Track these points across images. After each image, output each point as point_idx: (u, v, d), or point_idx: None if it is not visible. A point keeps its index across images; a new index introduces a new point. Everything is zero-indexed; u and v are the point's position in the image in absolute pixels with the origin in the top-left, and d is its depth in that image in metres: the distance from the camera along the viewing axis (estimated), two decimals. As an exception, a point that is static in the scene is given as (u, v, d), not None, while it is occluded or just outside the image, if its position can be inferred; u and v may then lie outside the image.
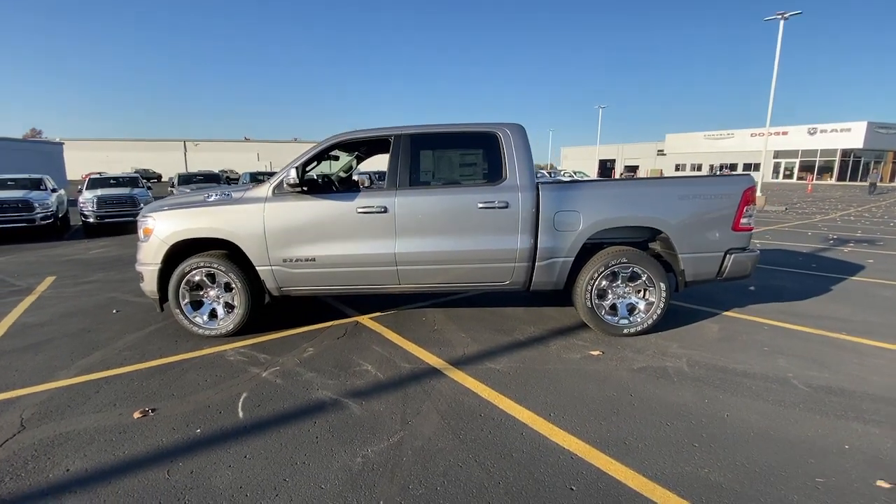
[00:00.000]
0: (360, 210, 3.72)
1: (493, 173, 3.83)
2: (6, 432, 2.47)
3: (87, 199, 11.01)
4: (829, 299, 4.93)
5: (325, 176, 4.44)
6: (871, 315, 4.36)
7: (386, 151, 4.02)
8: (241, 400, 2.80)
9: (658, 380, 3.04)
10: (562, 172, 32.60)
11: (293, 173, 3.60)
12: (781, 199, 21.74)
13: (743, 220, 3.77)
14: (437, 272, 3.82)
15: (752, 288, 5.40)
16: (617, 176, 66.51)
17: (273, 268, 3.81)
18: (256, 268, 3.82)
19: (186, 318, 3.89)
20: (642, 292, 3.85)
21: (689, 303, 4.75)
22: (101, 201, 10.97)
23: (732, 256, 3.79)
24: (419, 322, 4.24)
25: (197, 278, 3.84)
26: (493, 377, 3.08)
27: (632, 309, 3.88)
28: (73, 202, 11.88)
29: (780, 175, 48.50)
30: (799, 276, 6.06)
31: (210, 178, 15.36)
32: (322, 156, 3.99)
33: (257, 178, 14.32)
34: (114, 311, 4.67)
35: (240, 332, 3.92)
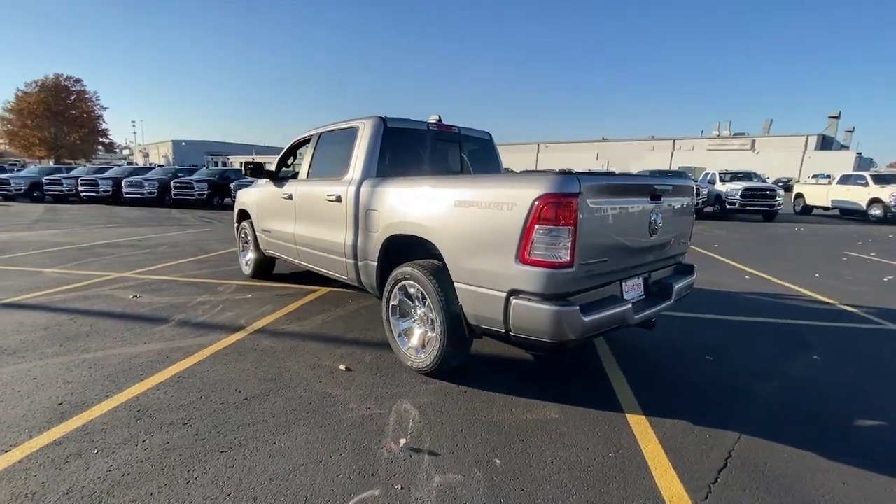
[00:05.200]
0: (282, 196, 4.66)
1: (345, 167, 3.85)
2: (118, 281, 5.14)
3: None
4: None
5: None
6: None
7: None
8: (160, 307, 4.51)
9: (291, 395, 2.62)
10: None
11: (269, 167, 4.96)
12: None
13: (536, 251, 2.26)
14: (315, 256, 4.26)
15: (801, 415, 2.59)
16: None
17: (260, 234, 5.33)
18: (255, 232, 5.44)
19: (240, 259, 6.01)
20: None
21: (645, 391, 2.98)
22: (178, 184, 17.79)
23: (514, 302, 2.36)
24: (338, 303, 4.73)
25: (243, 235, 5.86)
26: (234, 350, 3.50)
27: (425, 340, 3.07)
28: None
29: None
30: None
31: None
32: (289, 154, 5.09)
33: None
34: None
35: (263, 277, 5.65)
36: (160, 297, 4.81)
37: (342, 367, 3.17)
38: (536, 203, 2.23)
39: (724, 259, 7.87)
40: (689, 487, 2.00)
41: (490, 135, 4.64)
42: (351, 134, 3.88)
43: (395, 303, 3.22)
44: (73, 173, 20.94)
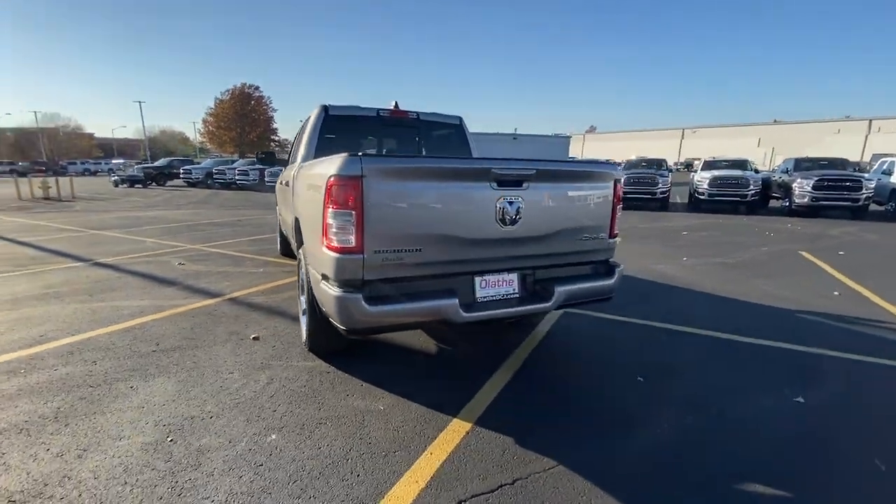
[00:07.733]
0: (280, 182, 5.16)
1: (297, 154, 4.08)
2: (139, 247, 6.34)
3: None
4: None
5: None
6: None
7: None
8: (200, 277, 5.43)
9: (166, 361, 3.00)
10: None
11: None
12: None
13: (330, 234, 2.20)
14: (289, 238, 4.65)
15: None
16: None
17: (278, 216, 5.98)
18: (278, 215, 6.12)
19: (277, 238, 6.82)
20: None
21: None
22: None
23: (321, 286, 2.32)
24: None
25: (278, 217, 6.63)
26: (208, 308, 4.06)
27: (313, 319, 3.18)
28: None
29: None
30: None
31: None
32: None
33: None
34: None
35: (289, 255, 6.37)
36: (196, 265, 5.78)
37: (254, 336, 3.47)
38: (327, 186, 2.18)
39: (829, 269, 6.15)
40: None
41: (461, 119, 4.44)
42: (307, 122, 4.13)
43: (301, 282, 3.40)
44: (233, 165, 25.59)
